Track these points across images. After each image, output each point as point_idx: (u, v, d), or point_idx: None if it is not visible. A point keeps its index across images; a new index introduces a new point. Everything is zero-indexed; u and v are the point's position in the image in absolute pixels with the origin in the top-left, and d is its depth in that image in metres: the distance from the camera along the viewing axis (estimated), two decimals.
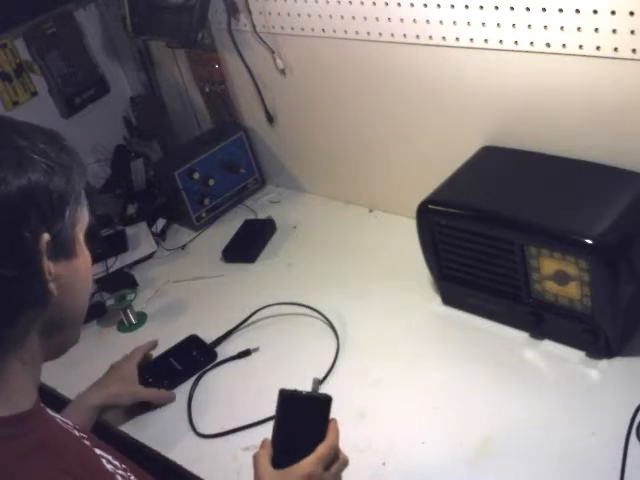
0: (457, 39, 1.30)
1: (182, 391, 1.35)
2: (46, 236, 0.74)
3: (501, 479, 1.06)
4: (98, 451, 0.82)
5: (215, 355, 1.42)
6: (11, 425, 0.73)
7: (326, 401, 0.99)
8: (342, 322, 1.41)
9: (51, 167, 0.76)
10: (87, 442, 0.83)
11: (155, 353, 1.42)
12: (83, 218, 0.82)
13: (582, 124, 1.24)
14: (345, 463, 0.99)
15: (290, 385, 1.29)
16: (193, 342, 1.45)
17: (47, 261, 0.75)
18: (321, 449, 0.95)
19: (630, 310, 1.16)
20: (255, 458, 0.97)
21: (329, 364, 1.32)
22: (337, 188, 1.77)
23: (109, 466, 0.81)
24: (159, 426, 1.29)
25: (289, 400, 1.00)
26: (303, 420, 1.00)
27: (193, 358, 1.41)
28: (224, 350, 1.42)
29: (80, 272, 0.81)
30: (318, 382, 1.01)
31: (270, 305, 1.47)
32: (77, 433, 0.84)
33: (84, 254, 0.83)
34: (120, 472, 0.82)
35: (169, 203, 1.85)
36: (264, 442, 0.99)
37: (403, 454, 1.12)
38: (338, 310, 1.44)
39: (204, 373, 1.38)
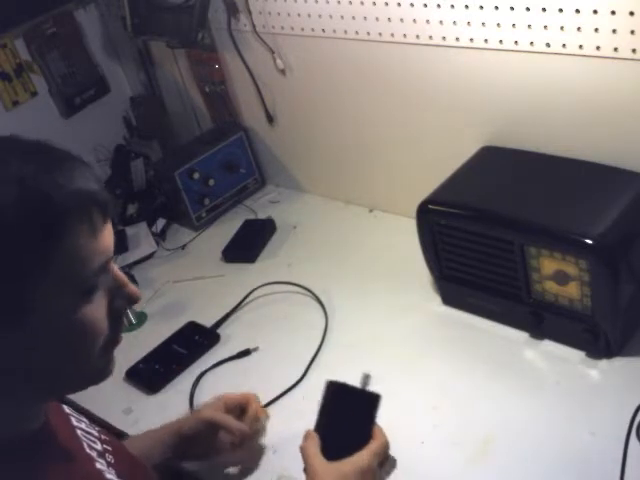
0: (457, 39, 1.30)
1: (183, 390, 1.35)
2: None
3: (501, 479, 1.06)
4: (109, 475, 0.79)
5: (218, 337, 1.45)
6: None
7: (375, 398, 0.97)
8: (342, 321, 1.41)
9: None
10: (99, 464, 0.79)
11: (154, 344, 1.45)
12: (53, 278, 0.66)
13: (582, 124, 1.24)
14: (392, 465, 0.98)
15: (286, 385, 1.29)
16: (192, 328, 1.49)
17: None
18: (374, 445, 0.94)
19: (630, 310, 1.16)
20: (303, 449, 0.94)
21: (329, 363, 1.32)
22: (337, 188, 1.77)
23: None
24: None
25: (338, 392, 0.98)
26: (351, 415, 0.98)
27: (196, 342, 1.44)
28: (225, 332, 1.46)
29: (42, 348, 0.68)
30: (367, 377, 0.98)
31: (269, 283, 1.53)
32: (99, 446, 0.81)
33: (55, 325, 0.67)
34: None
35: (169, 203, 1.86)
36: (308, 434, 0.96)
37: (403, 454, 1.12)
38: (338, 309, 1.44)
39: (204, 373, 1.38)
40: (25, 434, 0.72)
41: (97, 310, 0.70)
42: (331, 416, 0.98)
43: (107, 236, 0.71)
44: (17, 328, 0.66)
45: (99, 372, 0.76)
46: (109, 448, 0.83)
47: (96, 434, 0.84)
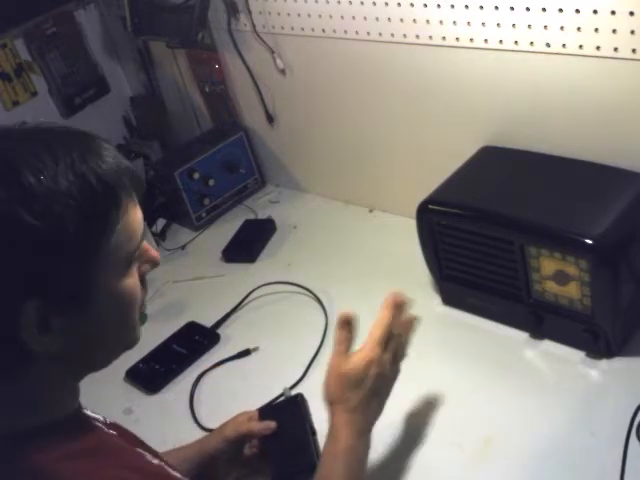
0: (457, 39, 1.30)
1: (183, 390, 1.35)
2: (31, 305, 0.65)
3: (501, 479, 1.06)
4: (139, 450, 0.82)
5: (218, 337, 1.45)
6: (53, 432, 0.73)
7: (297, 397, 1.07)
8: None
9: (46, 213, 0.63)
10: (123, 441, 0.82)
11: (154, 344, 1.45)
12: (111, 258, 0.70)
13: (582, 124, 1.24)
14: (406, 339, 1.00)
15: (286, 385, 1.29)
16: (193, 328, 1.49)
17: (35, 330, 0.66)
18: (375, 331, 0.96)
19: (630, 310, 1.16)
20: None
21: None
22: (337, 188, 1.77)
23: (155, 461, 0.81)
24: (160, 426, 1.29)
25: (268, 413, 1.08)
26: (288, 425, 1.06)
27: (196, 342, 1.45)
28: (225, 332, 1.46)
29: (99, 323, 0.72)
30: (288, 390, 1.12)
31: (269, 283, 1.54)
32: (106, 430, 0.83)
33: (111, 298, 0.71)
34: (165, 467, 0.82)
35: (169, 203, 1.85)
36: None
37: (403, 454, 1.12)
38: (338, 309, 1.44)
39: (204, 373, 1.38)
40: (68, 415, 0.76)
41: (136, 278, 0.75)
42: (273, 436, 1.05)
43: (140, 209, 0.75)
44: (81, 312, 0.69)
45: (136, 337, 0.81)
46: (114, 433, 0.84)
47: (102, 419, 0.85)
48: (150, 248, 0.80)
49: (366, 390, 0.96)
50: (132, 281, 0.74)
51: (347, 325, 0.99)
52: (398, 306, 1.00)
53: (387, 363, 0.97)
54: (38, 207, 0.63)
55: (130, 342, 0.81)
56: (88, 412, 0.84)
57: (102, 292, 0.70)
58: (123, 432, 0.86)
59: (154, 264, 0.80)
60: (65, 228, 0.64)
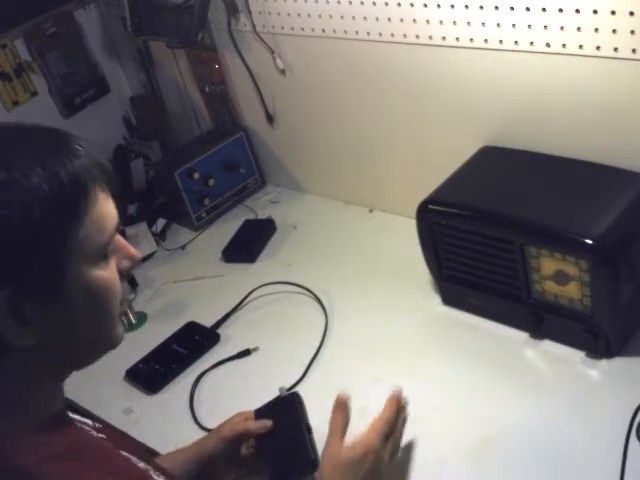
0: (457, 39, 1.30)
1: (183, 390, 1.35)
2: (2, 295, 0.66)
3: (501, 479, 1.06)
4: (124, 453, 0.82)
5: (218, 337, 1.45)
6: (36, 432, 0.73)
7: (292, 396, 1.08)
8: (342, 322, 1.41)
9: (15, 202, 0.65)
10: (111, 445, 0.82)
11: (154, 344, 1.46)
12: (81, 249, 0.71)
13: (582, 124, 1.24)
14: (400, 436, 1.01)
15: (286, 385, 1.30)
16: (193, 328, 1.49)
17: (10, 320, 0.67)
18: (378, 423, 0.97)
19: (630, 310, 1.16)
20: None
21: (329, 363, 1.32)
22: (337, 188, 1.77)
23: (141, 464, 0.81)
24: (160, 426, 1.29)
25: (264, 412, 1.09)
26: (284, 424, 1.06)
27: (196, 342, 1.45)
28: (225, 332, 1.46)
29: (75, 315, 0.73)
30: (284, 389, 1.13)
31: (269, 283, 1.54)
32: (95, 434, 0.83)
33: (86, 289, 0.72)
34: (151, 471, 0.82)
35: (169, 203, 1.86)
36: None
37: (402, 454, 1.12)
38: (338, 310, 1.44)
39: (204, 373, 1.38)
40: (52, 416, 0.77)
41: (113, 272, 0.77)
42: (268, 435, 1.06)
43: (112, 202, 0.77)
44: (55, 301, 0.70)
45: (116, 335, 0.80)
46: (103, 436, 0.84)
47: (90, 423, 0.85)
48: (128, 245, 0.81)
49: (361, 479, 0.95)
50: (107, 274, 0.75)
51: (343, 408, 0.99)
52: (400, 404, 1.02)
53: (385, 456, 0.97)
54: (6, 197, 0.65)
55: (109, 340, 0.80)
56: (76, 416, 0.84)
57: (75, 282, 0.71)
58: (112, 436, 0.86)
59: (133, 261, 0.81)
60: (33, 217, 0.66)
